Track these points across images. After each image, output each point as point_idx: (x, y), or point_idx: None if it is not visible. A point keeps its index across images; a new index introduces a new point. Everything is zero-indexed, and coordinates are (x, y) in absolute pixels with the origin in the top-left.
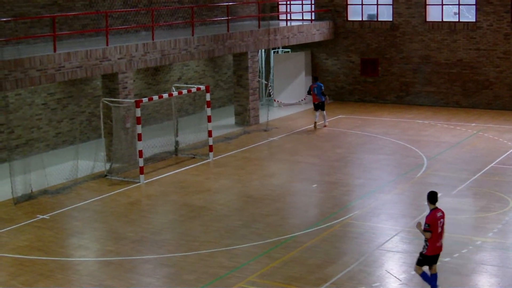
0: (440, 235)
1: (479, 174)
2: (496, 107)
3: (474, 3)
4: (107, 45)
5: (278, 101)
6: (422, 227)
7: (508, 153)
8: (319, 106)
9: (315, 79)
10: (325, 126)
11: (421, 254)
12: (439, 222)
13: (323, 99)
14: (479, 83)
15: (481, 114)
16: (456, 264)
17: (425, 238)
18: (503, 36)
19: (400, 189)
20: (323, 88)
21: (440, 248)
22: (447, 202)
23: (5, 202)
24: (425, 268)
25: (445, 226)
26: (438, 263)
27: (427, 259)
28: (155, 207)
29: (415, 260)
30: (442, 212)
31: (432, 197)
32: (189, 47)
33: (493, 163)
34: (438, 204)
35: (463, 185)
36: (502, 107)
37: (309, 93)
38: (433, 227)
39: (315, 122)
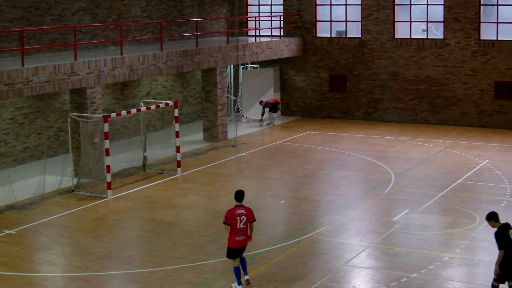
0: (241, 230)
1: (447, 190)
2: (463, 124)
3: (442, 21)
4: (75, 59)
5: (246, 117)
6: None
7: (475, 169)
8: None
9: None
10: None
11: (227, 247)
12: (238, 217)
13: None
14: (447, 99)
15: (448, 130)
16: (423, 280)
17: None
18: (470, 53)
19: (368, 205)
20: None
21: (241, 243)
22: (414, 218)
23: None
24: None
25: (408, 242)
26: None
27: (231, 251)
28: (122, 222)
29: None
30: (247, 210)
31: (236, 195)
32: (158, 62)
33: (461, 180)
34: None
35: (430, 201)
36: (469, 124)
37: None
38: (231, 221)
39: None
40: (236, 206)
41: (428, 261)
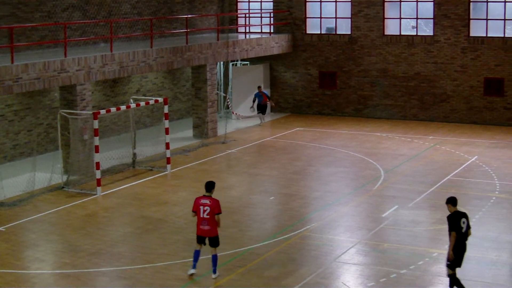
0: (204, 220)
1: (436, 186)
2: (453, 120)
3: (432, 17)
4: (65, 56)
5: (236, 114)
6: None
7: (464, 165)
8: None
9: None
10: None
11: None
12: (202, 207)
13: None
14: (437, 96)
15: (438, 127)
16: (413, 276)
17: None
18: (460, 49)
19: (357, 201)
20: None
21: (205, 232)
22: (403, 214)
23: None
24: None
25: (398, 238)
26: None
27: (197, 237)
28: (112, 219)
29: None
30: (212, 201)
31: (205, 186)
32: (148, 59)
33: (450, 176)
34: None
35: (420, 197)
36: (459, 120)
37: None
38: (196, 209)
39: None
40: (203, 196)
41: (418, 257)
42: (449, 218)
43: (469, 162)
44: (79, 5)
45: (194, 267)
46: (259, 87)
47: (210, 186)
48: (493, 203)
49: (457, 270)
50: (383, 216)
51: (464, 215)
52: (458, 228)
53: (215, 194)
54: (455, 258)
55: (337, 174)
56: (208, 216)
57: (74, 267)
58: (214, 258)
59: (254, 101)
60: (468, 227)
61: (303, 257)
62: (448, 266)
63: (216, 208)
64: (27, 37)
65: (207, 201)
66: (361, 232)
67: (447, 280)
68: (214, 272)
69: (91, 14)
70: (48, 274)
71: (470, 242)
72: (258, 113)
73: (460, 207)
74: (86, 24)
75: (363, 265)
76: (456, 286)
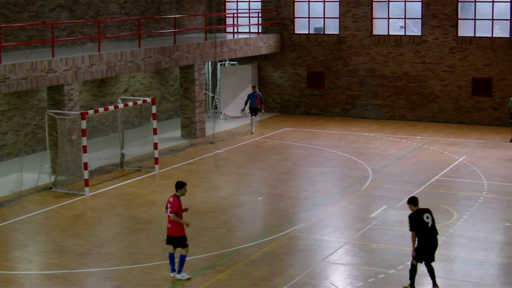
0: (168, 218)
1: (424, 186)
2: (441, 120)
3: (420, 17)
4: (53, 56)
5: (224, 114)
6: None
7: (452, 165)
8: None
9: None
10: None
11: None
12: (169, 205)
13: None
14: (425, 96)
15: (426, 127)
16: (401, 276)
17: None
18: (448, 49)
19: (346, 201)
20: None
21: (168, 230)
22: (392, 214)
23: None
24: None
25: (386, 238)
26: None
27: (166, 237)
28: (100, 219)
29: None
30: (174, 200)
31: (176, 185)
32: (136, 59)
33: (438, 176)
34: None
35: (408, 197)
36: (447, 120)
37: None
38: (166, 207)
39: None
40: (173, 194)
41: (406, 257)
42: (410, 217)
43: (457, 162)
44: (66, 5)
45: (173, 270)
46: (254, 87)
47: (177, 185)
48: (481, 203)
49: (446, 269)
50: (371, 216)
51: (427, 210)
52: (421, 225)
53: (204, 194)
54: (424, 253)
55: (325, 174)
56: (170, 214)
57: (62, 268)
58: (181, 259)
59: (246, 104)
60: (433, 221)
61: (291, 257)
62: (414, 258)
63: (172, 206)
64: (14, 37)
65: (170, 199)
66: (349, 232)
67: None
68: (179, 272)
69: (79, 14)
70: (36, 274)
71: (458, 242)
72: (252, 115)
73: (447, 207)
74: (73, 24)
75: (351, 265)
76: (410, 276)
